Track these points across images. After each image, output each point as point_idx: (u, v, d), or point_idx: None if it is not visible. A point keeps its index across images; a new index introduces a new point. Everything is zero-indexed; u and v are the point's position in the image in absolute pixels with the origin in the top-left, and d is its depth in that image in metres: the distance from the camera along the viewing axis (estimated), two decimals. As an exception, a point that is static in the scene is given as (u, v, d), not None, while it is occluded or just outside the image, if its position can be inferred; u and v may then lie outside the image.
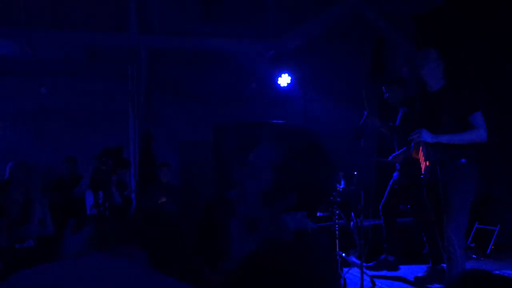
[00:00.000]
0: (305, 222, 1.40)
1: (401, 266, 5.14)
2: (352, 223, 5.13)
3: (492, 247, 5.73)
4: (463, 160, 3.63)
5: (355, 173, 4.95)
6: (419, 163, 3.82)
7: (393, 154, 4.82)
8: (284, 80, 6.44)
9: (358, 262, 4.55)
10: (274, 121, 6.93)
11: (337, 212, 4.80)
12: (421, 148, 3.78)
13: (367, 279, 4.44)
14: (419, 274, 4.73)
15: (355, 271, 4.57)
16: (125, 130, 7.45)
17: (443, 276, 4.47)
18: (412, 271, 4.98)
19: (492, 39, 5.98)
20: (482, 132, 3.62)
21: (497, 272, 1.00)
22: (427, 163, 3.74)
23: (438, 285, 4.49)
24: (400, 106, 4.93)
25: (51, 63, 7.37)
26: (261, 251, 1.33)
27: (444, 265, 4.48)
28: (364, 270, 4.17)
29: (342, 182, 4.91)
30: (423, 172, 3.81)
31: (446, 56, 3.86)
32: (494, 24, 5.93)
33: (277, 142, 1.43)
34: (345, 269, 4.65)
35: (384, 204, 5.03)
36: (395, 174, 4.98)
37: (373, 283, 4.45)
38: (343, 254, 4.68)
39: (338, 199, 4.88)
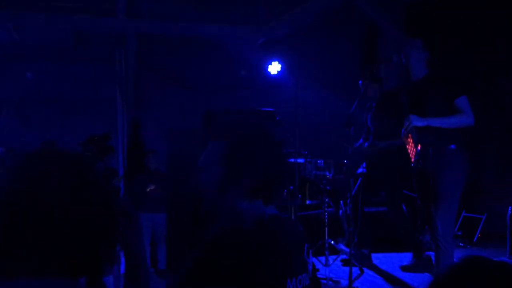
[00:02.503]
0: (262, 209, 1.45)
1: (383, 255, 5.17)
2: (341, 211, 5.14)
3: (479, 235, 5.79)
4: (452, 146, 3.64)
5: (345, 161, 4.96)
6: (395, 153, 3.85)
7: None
8: (274, 67, 6.40)
9: (347, 249, 4.57)
10: (264, 108, 6.90)
11: (326, 200, 4.81)
12: (410, 135, 3.80)
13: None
14: (405, 263, 4.75)
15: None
16: (113, 116, 7.37)
17: (429, 263, 4.50)
18: (396, 259, 5.01)
19: (481, 31, 6.00)
20: (469, 116, 3.64)
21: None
22: (419, 146, 3.75)
23: (426, 274, 4.53)
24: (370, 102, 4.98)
25: (38, 48, 7.25)
26: (222, 240, 1.38)
27: (428, 253, 4.53)
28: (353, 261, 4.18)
29: (332, 170, 4.91)
30: (413, 159, 3.83)
31: (434, 46, 3.91)
32: (485, 17, 5.94)
33: (223, 136, 1.48)
34: (333, 257, 4.67)
35: (354, 195, 4.78)
36: (364, 164, 4.93)
37: (361, 271, 4.47)
38: (332, 242, 4.70)
39: (328, 187, 4.88)
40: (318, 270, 4.50)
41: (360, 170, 4.94)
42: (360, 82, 4.96)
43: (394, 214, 4.89)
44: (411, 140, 3.80)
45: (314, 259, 4.59)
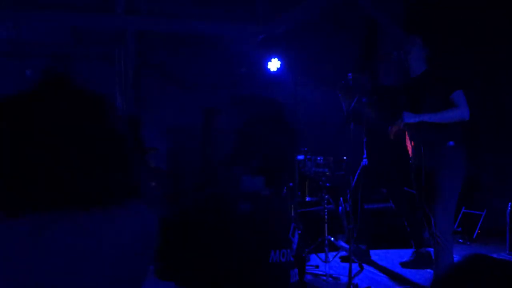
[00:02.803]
0: (261, 186, 1.50)
1: (383, 251, 5.18)
2: (340, 208, 5.15)
3: (479, 231, 5.80)
4: (451, 143, 3.65)
5: (345, 158, 4.96)
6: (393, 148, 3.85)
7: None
8: (273, 64, 6.39)
9: (347, 246, 4.58)
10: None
11: (326, 197, 4.81)
12: (407, 132, 3.81)
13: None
14: (404, 259, 4.76)
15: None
16: (113, 114, 7.35)
17: (429, 259, 4.51)
18: (396, 255, 5.02)
19: (481, 31, 6.00)
20: (464, 110, 3.63)
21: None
22: (412, 144, 3.76)
23: (427, 269, 4.54)
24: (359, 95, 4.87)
25: (37, 44, 7.23)
26: (212, 203, 1.44)
27: (429, 248, 4.55)
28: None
29: (331, 167, 4.92)
30: (411, 156, 3.85)
31: (432, 43, 3.92)
32: (485, 17, 5.94)
33: (240, 109, 1.50)
34: (333, 253, 4.68)
35: (354, 190, 4.70)
36: (365, 160, 4.92)
37: (361, 267, 4.48)
38: (332, 239, 4.70)
39: (327, 184, 4.89)
40: (318, 266, 4.51)
41: (362, 163, 4.92)
42: (349, 74, 4.84)
43: (397, 209, 4.91)
44: (408, 137, 3.82)
45: (314, 256, 4.60)
